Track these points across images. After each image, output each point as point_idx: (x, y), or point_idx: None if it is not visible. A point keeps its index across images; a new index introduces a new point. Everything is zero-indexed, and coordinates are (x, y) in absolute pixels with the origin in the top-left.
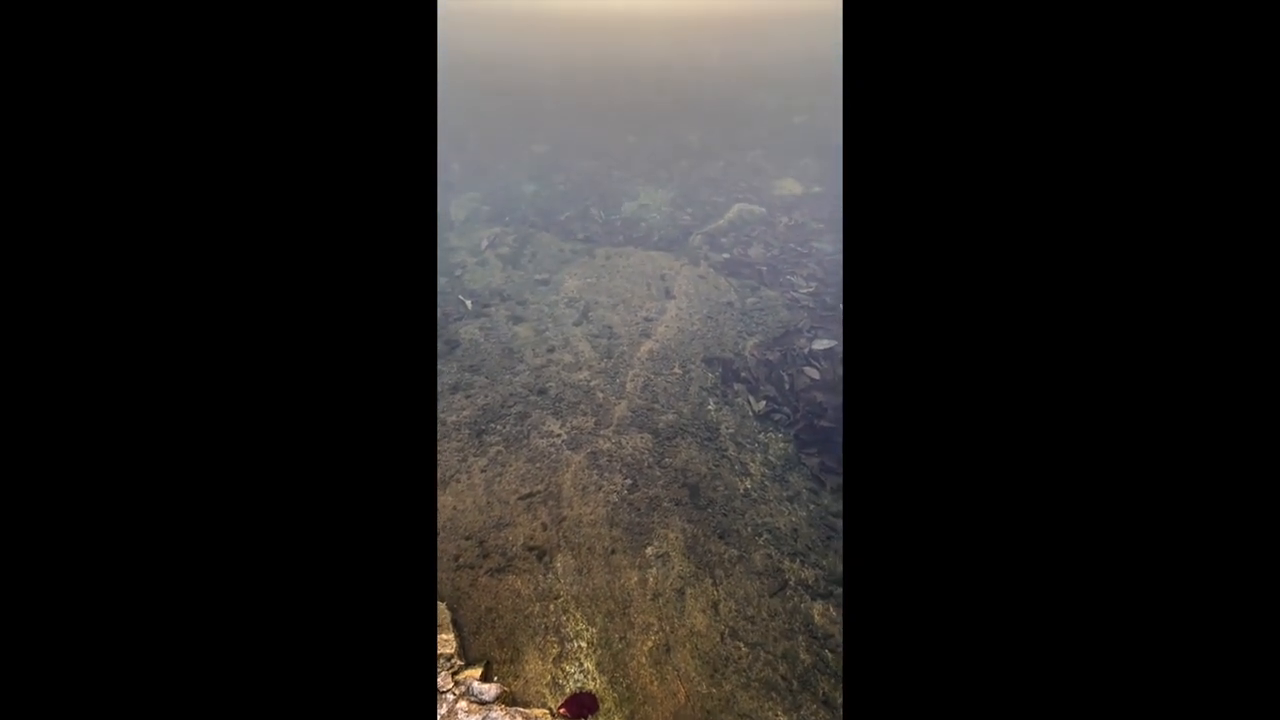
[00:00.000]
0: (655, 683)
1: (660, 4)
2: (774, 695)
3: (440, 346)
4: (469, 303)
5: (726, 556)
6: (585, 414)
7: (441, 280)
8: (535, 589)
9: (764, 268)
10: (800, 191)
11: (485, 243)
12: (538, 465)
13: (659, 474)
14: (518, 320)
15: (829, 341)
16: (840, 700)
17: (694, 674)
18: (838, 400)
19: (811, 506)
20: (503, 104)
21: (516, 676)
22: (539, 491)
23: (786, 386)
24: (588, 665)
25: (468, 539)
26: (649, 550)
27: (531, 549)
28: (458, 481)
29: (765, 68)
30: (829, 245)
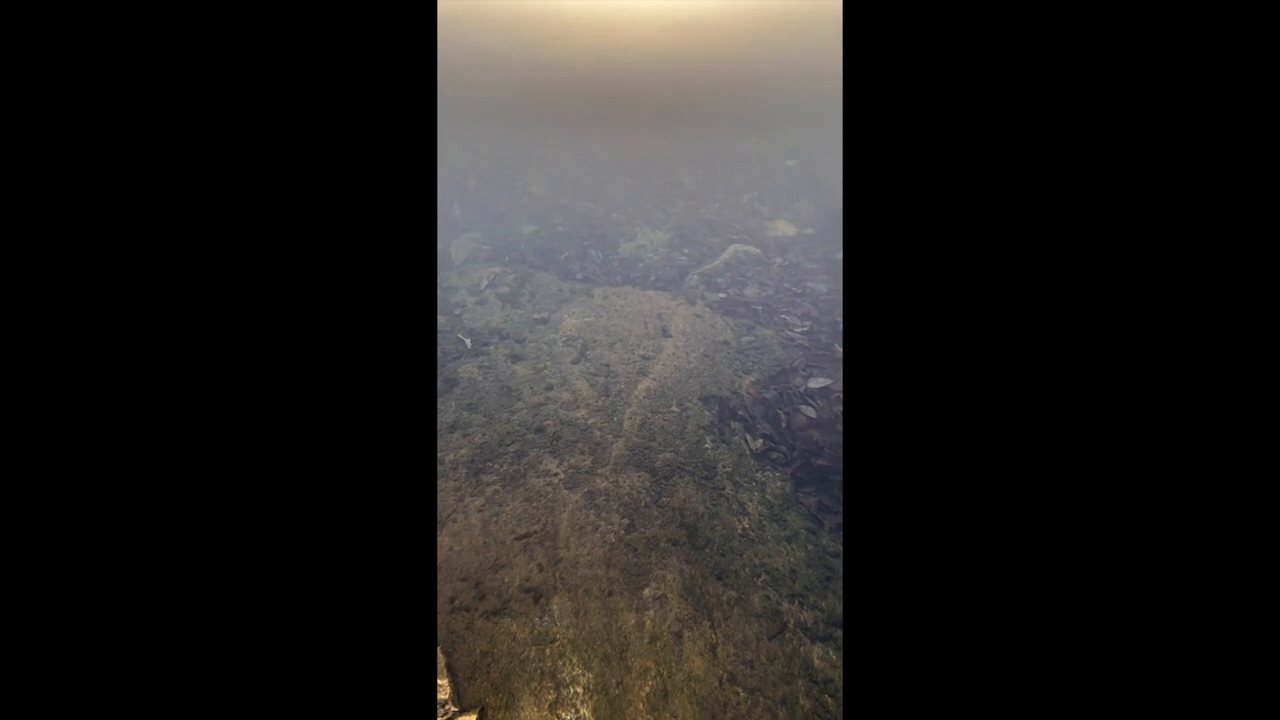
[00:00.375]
0: None
1: (656, 52)
2: None
3: (439, 385)
4: (468, 341)
5: (725, 598)
6: (583, 453)
7: (441, 319)
8: (531, 632)
9: (759, 307)
10: (794, 233)
11: (485, 282)
12: (535, 505)
13: (656, 514)
14: (516, 359)
15: (824, 380)
16: None
17: None
18: (833, 439)
19: (810, 547)
20: (503, 146)
21: None
22: (536, 532)
23: (783, 425)
24: (584, 712)
25: (463, 580)
26: (646, 592)
27: (528, 591)
28: (454, 522)
29: (759, 111)
30: (823, 285)
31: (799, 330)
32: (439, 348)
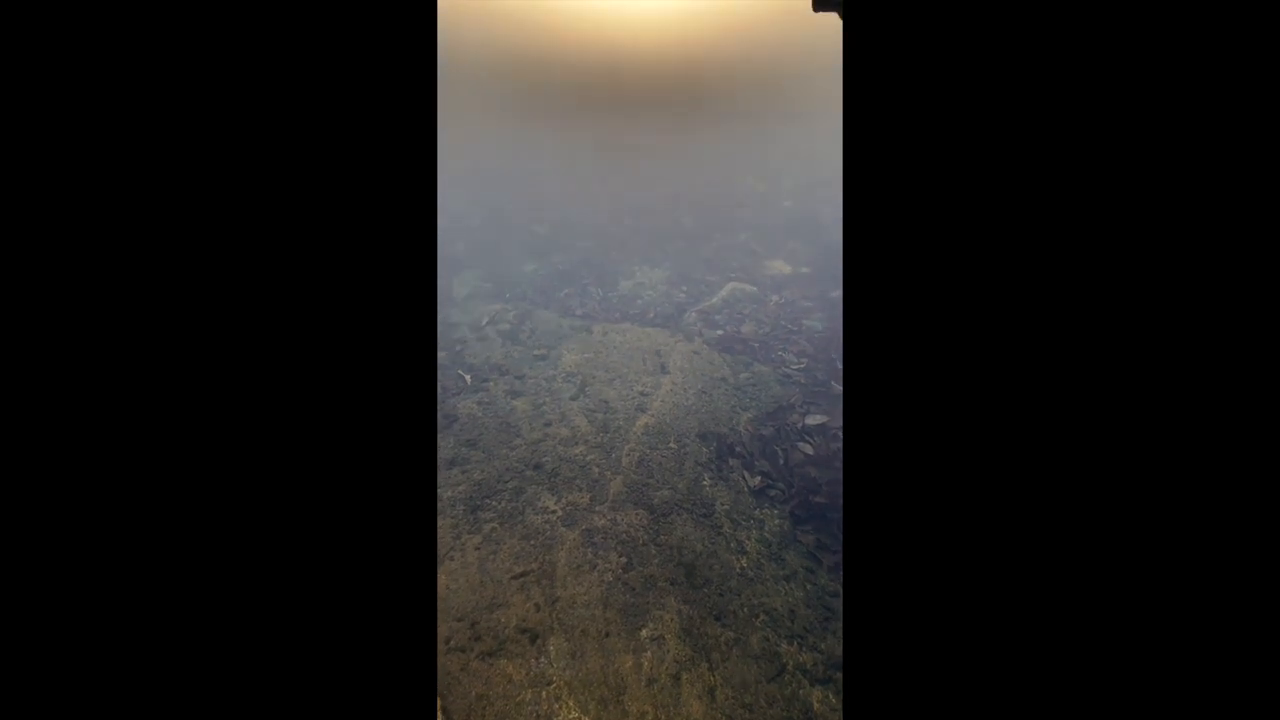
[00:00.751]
0: None
1: (654, 93)
2: None
3: (439, 421)
4: (468, 377)
5: (723, 639)
6: (580, 489)
7: (442, 355)
8: (527, 674)
9: (756, 344)
10: (789, 271)
11: (486, 319)
12: (532, 543)
13: (654, 552)
14: (516, 395)
15: (821, 417)
16: None
17: None
18: (830, 476)
19: (809, 586)
20: (506, 185)
21: None
22: (533, 570)
23: (781, 462)
24: None
25: (459, 620)
26: (644, 632)
27: (524, 631)
28: (451, 560)
29: (756, 154)
30: (818, 323)
31: (795, 367)
32: (439, 383)
